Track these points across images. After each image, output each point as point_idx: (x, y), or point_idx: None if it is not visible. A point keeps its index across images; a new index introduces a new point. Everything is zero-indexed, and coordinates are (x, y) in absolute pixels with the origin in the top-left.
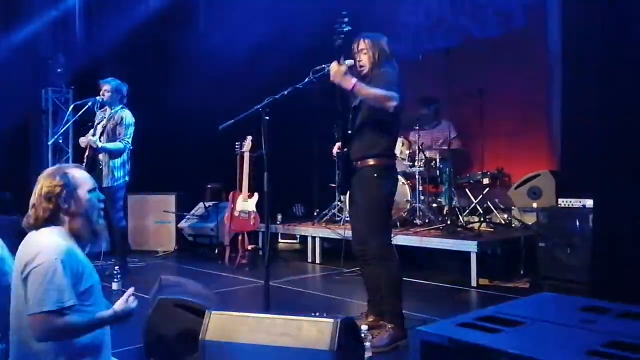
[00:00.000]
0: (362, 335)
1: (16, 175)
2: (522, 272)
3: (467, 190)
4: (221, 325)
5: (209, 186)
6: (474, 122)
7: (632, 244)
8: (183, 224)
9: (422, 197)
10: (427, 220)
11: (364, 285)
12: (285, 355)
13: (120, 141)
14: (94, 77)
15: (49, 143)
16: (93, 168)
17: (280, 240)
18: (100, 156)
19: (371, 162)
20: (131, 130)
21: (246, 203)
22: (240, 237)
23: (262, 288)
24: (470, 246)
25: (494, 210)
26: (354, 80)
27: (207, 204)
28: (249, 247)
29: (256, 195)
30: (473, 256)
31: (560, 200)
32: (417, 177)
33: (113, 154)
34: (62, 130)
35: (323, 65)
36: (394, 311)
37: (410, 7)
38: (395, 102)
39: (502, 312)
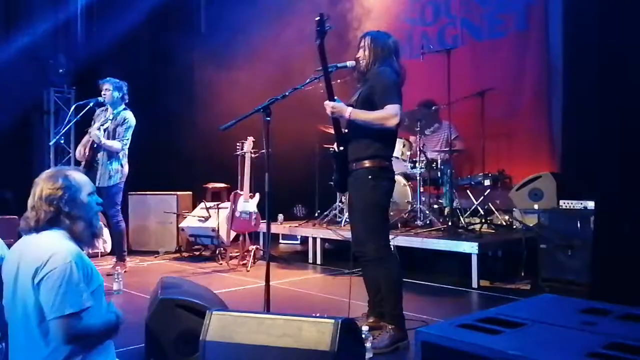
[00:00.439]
0: (363, 336)
1: (18, 175)
2: (523, 274)
3: (468, 191)
4: (222, 325)
5: (210, 187)
6: (475, 123)
7: (633, 246)
8: (184, 224)
9: (423, 199)
10: (428, 222)
11: (364, 286)
12: (285, 355)
13: (119, 141)
14: (96, 77)
15: (51, 143)
16: (90, 169)
17: (281, 241)
18: (99, 155)
19: (366, 163)
20: (130, 132)
21: (247, 204)
22: (241, 238)
23: (262, 289)
24: (471, 247)
25: (495, 212)
26: (349, 109)
27: (208, 205)
28: (250, 248)
29: (257, 195)
30: (474, 257)
31: (561, 202)
32: (418, 178)
33: (110, 155)
34: (63, 131)
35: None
36: (394, 312)
37: (412, 8)
38: (395, 119)
39: (503, 314)
